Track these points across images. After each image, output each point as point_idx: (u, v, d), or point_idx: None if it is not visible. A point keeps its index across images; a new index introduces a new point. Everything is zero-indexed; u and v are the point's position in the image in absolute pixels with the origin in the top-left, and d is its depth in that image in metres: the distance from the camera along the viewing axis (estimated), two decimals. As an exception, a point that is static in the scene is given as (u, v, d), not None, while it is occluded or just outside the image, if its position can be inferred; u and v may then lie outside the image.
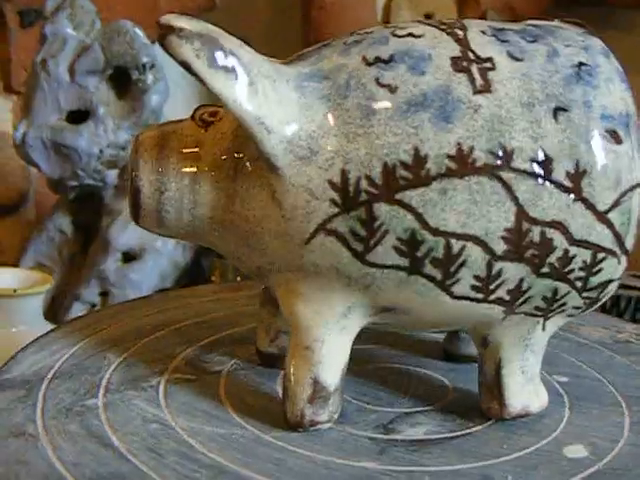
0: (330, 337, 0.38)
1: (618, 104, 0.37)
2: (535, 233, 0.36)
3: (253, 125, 0.35)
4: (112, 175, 0.90)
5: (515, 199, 0.35)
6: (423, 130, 0.35)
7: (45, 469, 0.34)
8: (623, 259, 0.38)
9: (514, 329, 0.39)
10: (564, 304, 0.39)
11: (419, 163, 0.35)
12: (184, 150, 0.39)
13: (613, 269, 0.38)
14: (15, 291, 0.73)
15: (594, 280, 0.38)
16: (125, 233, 0.89)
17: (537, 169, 0.36)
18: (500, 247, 0.36)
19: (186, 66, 0.33)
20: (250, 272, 0.40)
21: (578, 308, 0.39)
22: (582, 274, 0.37)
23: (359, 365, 0.47)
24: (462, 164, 0.35)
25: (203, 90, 1.30)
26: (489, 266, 0.36)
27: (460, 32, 0.38)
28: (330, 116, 0.36)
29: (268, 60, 0.37)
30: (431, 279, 0.37)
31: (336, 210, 0.35)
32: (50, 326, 0.78)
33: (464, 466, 0.37)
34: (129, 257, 0.90)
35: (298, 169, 0.36)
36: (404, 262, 0.36)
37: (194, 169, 0.38)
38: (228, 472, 0.35)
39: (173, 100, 0.94)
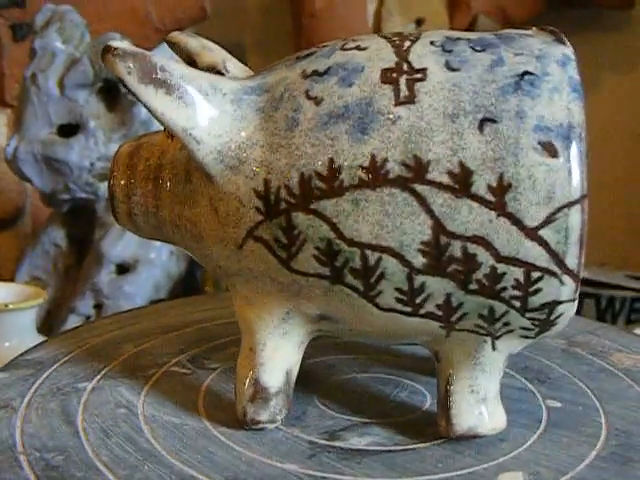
0: (271, 340, 0.39)
1: (559, 115, 0.35)
2: (456, 248, 0.35)
3: (183, 136, 0.36)
4: (104, 188, 0.90)
5: (430, 212, 0.35)
6: (339, 141, 0.35)
7: (4, 437, 0.38)
8: (567, 279, 0.35)
9: (462, 346, 0.39)
10: (508, 324, 0.37)
11: (333, 174, 0.35)
12: (150, 159, 0.41)
13: (556, 290, 0.36)
14: (7, 305, 0.73)
15: (535, 300, 0.36)
16: (118, 245, 0.89)
17: (454, 182, 0.35)
18: (419, 260, 0.35)
19: (121, 82, 0.35)
20: (213, 274, 0.42)
21: (528, 329, 0.37)
22: (518, 293, 0.36)
23: (347, 374, 0.47)
24: (374, 175, 0.35)
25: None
26: (410, 279, 0.36)
27: (407, 43, 0.38)
28: (259, 127, 0.37)
29: (207, 75, 0.38)
30: (354, 289, 0.37)
31: (260, 218, 0.37)
32: (43, 340, 0.79)
33: (383, 480, 0.36)
34: (123, 269, 0.90)
35: (229, 178, 0.37)
36: (325, 271, 0.37)
37: (156, 176, 0.41)
38: (155, 457, 0.37)
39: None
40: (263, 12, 1.24)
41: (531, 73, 0.36)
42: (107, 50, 0.35)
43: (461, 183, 0.34)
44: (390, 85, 0.36)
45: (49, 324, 0.92)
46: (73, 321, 0.89)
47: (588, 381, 0.48)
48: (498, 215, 0.34)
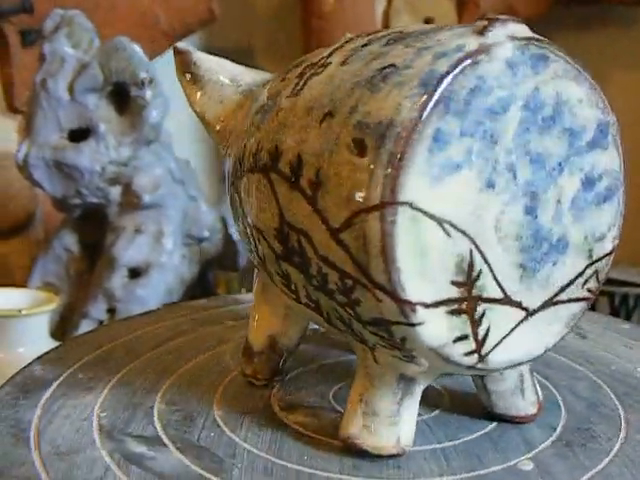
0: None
1: (385, 111, 0.32)
2: (293, 238, 0.35)
3: (201, 119, 0.45)
4: (115, 192, 0.90)
5: (277, 200, 0.36)
6: (258, 130, 0.39)
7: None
8: (383, 296, 0.33)
9: (357, 350, 0.38)
10: (359, 334, 0.36)
11: (245, 157, 0.39)
12: None
13: (375, 305, 0.33)
14: (20, 311, 0.74)
15: (362, 312, 0.34)
16: (130, 249, 0.89)
17: (291, 173, 0.35)
18: (277, 246, 0.37)
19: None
20: None
21: (387, 347, 0.35)
22: (344, 299, 0.35)
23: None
24: (254, 161, 0.38)
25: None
26: (278, 265, 0.38)
27: (358, 41, 0.38)
28: (245, 115, 0.42)
29: (233, 69, 0.46)
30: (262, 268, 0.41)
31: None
32: (56, 345, 0.79)
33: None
34: (135, 273, 0.90)
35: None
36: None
37: None
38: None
39: (176, 116, 0.95)
40: (272, 15, 1.24)
41: (393, 66, 0.33)
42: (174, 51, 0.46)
43: (294, 175, 0.35)
44: (295, 79, 0.39)
45: (62, 329, 0.92)
46: (86, 326, 0.89)
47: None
48: (312, 211, 0.34)
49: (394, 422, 0.37)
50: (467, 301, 0.34)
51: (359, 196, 0.32)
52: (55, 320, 0.92)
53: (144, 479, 0.35)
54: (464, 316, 0.34)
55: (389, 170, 0.31)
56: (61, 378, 0.47)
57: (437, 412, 0.43)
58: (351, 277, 0.33)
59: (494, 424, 0.41)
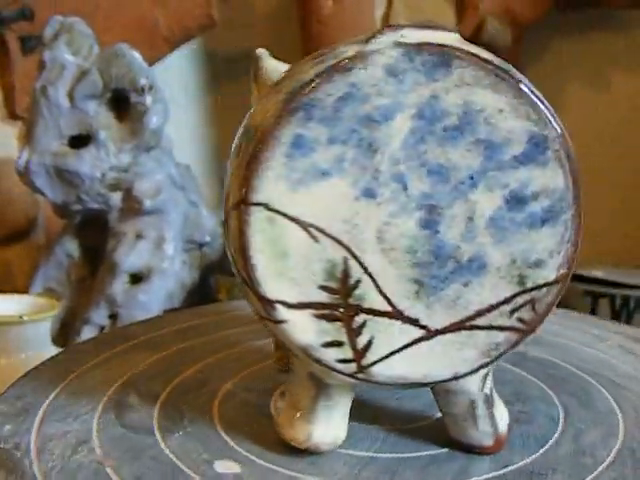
0: None
1: (260, 116, 0.35)
2: None
3: None
4: (116, 198, 0.90)
5: None
6: None
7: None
8: (249, 292, 0.35)
9: None
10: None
11: None
12: None
13: (251, 300, 0.36)
14: (21, 317, 0.74)
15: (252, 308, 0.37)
16: (131, 255, 0.89)
17: None
18: None
19: None
20: None
21: None
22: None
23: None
24: None
25: (206, 111, 1.31)
26: None
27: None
28: None
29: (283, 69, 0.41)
30: None
31: None
32: (58, 351, 0.79)
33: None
34: (136, 279, 0.90)
35: None
36: None
37: None
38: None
39: (178, 122, 0.95)
40: (271, 20, 1.24)
41: (289, 77, 0.37)
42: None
43: None
44: None
45: (64, 335, 0.92)
46: (88, 332, 0.89)
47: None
48: None
49: (308, 418, 0.38)
50: (341, 308, 0.34)
51: (230, 195, 0.34)
52: (56, 326, 0.92)
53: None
54: (338, 323, 0.34)
55: (246, 171, 0.33)
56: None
57: (409, 426, 0.43)
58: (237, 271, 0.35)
59: (446, 450, 0.40)
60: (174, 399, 0.45)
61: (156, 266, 0.90)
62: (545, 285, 0.35)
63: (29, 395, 0.45)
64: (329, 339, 0.34)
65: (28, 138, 0.90)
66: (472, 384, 0.37)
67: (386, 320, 0.34)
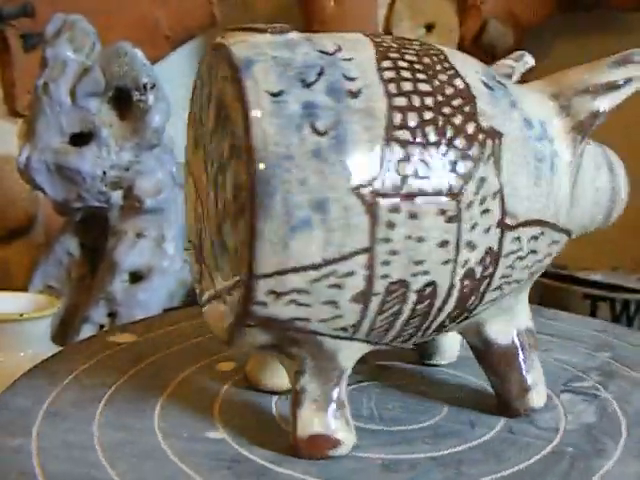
0: None
1: None
2: None
3: None
4: (117, 196, 0.90)
5: None
6: None
7: None
8: None
9: None
10: None
11: None
12: None
13: None
14: (21, 315, 0.73)
15: None
16: (131, 254, 0.89)
17: None
18: None
19: None
20: None
21: None
22: None
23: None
24: None
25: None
26: None
27: None
28: None
29: None
30: None
31: None
32: (58, 349, 0.78)
33: None
34: (136, 277, 0.90)
35: None
36: None
37: None
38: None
39: (180, 121, 0.95)
40: (273, 19, 1.24)
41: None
42: None
43: None
44: None
45: (63, 333, 0.92)
46: (87, 330, 0.89)
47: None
48: None
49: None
50: None
51: None
52: (56, 324, 0.92)
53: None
54: None
55: None
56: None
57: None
58: None
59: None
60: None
61: (156, 265, 0.89)
62: None
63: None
64: None
65: (29, 135, 0.90)
66: None
67: None
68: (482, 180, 0.36)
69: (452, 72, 0.38)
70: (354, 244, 0.34)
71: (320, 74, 0.35)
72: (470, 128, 0.36)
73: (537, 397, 0.43)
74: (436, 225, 0.35)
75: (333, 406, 0.38)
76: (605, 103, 0.41)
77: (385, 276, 0.35)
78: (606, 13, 1.18)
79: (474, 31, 1.12)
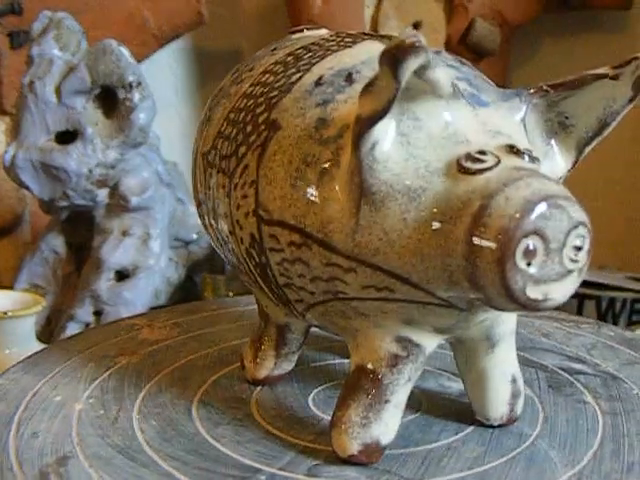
0: None
1: None
2: None
3: None
4: (102, 194, 0.90)
5: None
6: None
7: None
8: None
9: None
10: None
11: None
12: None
13: None
14: (6, 313, 0.73)
15: None
16: (117, 252, 0.89)
17: None
18: None
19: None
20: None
21: None
22: None
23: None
24: None
25: (195, 108, 1.30)
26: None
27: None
28: None
29: None
30: None
31: None
32: (42, 347, 0.78)
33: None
34: (122, 275, 0.90)
35: None
36: None
37: None
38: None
39: (167, 119, 0.95)
40: (260, 17, 1.24)
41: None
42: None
43: None
44: None
45: (49, 331, 0.92)
46: (72, 328, 0.89)
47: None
48: None
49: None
50: None
51: None
52: (41, 322, 0.92)
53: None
54: None
55: None
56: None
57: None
58: None
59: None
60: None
61: (142, 263, 0.89)
62: None
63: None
64: None
65: (15, 133, 0.90)
66: None
67: None
68: (246, 167, 0.38)
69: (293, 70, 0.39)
70: None
71: None
72: (262, 117, 0.38)
73: None
74: (219, 195, 0.40)
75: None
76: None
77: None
78: (592, 13, 1.18)
79: (461, 30, 1.12)
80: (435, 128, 0.34)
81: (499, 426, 0.41)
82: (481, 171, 0.32)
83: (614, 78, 0.37)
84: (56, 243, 0.95)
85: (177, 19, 1.10)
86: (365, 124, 0.31)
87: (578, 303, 1.00)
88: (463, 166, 0.33)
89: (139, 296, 0.89)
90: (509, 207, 0.30)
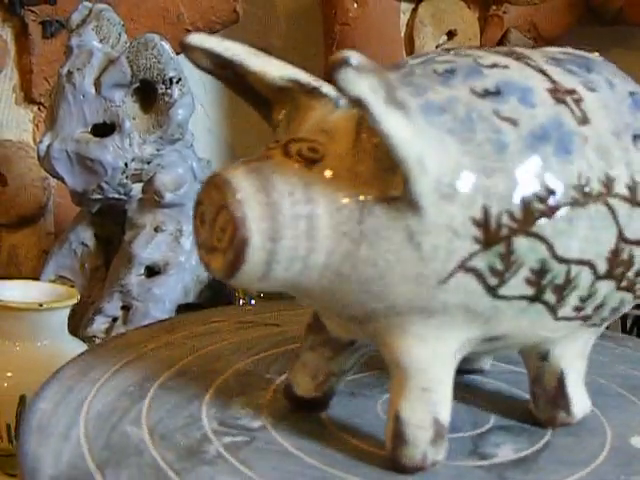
0: (449, 375, 0.38)
1: None
2: (625, 252, 0.38)
3: (413, 166, 0.33)
4: (137, 189, 0.89)
5: (617, 223, 0.38)
6: (549, 162, 0.36)
7: None
8: None
9: (577, 341, 0.42)
10: (619, 311, 0.42)
11: (550, 195, 0.36)
12: (294, 193, 0.34)
13: None
14: (41, 305, 0.73)
15: None
16: (149, 247, 0.88)
17: (630, 194, 0.38)
18: (602, 268, 0.38)
19: (358, 101, 0.31)
20: (351, 319, 0.38)
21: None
22: None
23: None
24: (583, 194, 0.37)
25: (224, 107, 1.29)
26: (592, 286, 0.38)
27: (534, 62, 0.40)
28: (463, 151, 0.35)
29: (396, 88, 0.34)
30: (546, 304, 0.38)
31: (477, 247, 0.35)
32: (75, 341, 0.78)
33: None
34: (152, 271, 0.90)
35: (441, 208, 0.34)
36: (530, 291, 0.37)
37: (309, 214, 0.35)
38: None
39: (194, 116, 0.94)
40: (294, 18, 1.23)
41: (634, 93, 0.41)
42: (344, 64, 0.30)
43: (634, 194, 0.38)
44: (563, 105, 0.38)
45: (74, 324, 0.91)
46: (100, 322, 0.88)
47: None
48: None
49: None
50: None
51: None
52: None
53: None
54: None
55: None
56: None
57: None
58: None
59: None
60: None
61: (173, 260, 0.89)
62: None
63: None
64: None
65: (51, 123, 0.89)
66: None
67: None
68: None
69: None
70: None
71: None
72: None
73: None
74: None
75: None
76: None
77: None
78: (627, 29, 1.17)
79: (495, 40, 1.12)
80: None
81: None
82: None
83: None
84: (85, 235, 0.95)
85: (212, 16, 1.10)
86: None
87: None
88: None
89: (168, 293, 0.88)
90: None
